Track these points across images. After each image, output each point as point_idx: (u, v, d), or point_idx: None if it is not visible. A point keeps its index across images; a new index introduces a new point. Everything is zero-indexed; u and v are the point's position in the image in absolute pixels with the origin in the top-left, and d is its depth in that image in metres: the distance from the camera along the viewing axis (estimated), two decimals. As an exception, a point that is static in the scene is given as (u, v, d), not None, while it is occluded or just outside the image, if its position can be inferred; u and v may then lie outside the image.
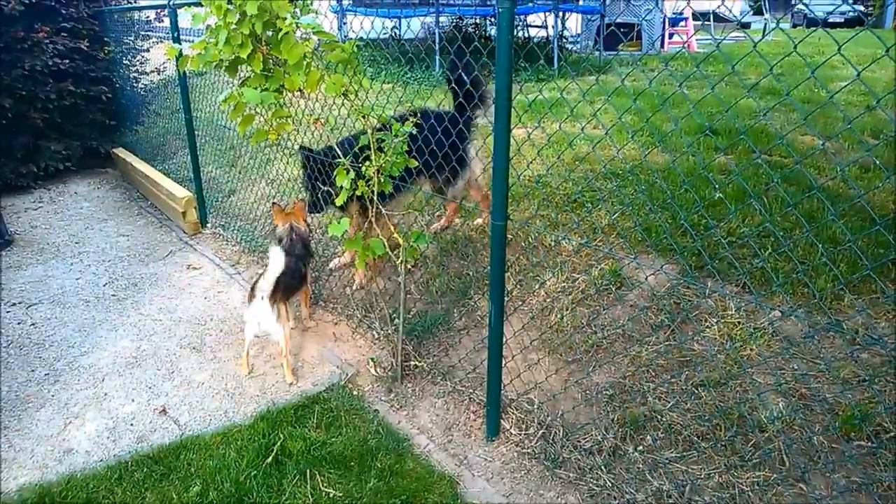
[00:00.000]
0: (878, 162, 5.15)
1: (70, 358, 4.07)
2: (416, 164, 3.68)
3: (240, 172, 7.47)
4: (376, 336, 4.15)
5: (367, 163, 3.62)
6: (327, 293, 4.75)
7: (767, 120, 7.22)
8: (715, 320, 3.61)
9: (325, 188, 4.35)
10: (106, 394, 3.71)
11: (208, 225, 6.34)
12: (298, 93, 3.94)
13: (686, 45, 15.39)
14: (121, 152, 8.01)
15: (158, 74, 8.98)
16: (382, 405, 3.57)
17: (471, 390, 3.55)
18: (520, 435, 3.19)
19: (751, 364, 3.35)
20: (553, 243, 4.72)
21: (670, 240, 4.38)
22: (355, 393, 3.68)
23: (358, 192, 3.64)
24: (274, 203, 4.24)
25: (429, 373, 3.74)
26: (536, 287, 4.25)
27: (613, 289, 4.09)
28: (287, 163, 6.93)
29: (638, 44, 14.92)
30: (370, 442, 3.25)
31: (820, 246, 4.17)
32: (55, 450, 3.28)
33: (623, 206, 5.23)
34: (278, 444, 3.22)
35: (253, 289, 3.69)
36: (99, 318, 4.59)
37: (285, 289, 3.77)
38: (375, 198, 3.67)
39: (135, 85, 8.57)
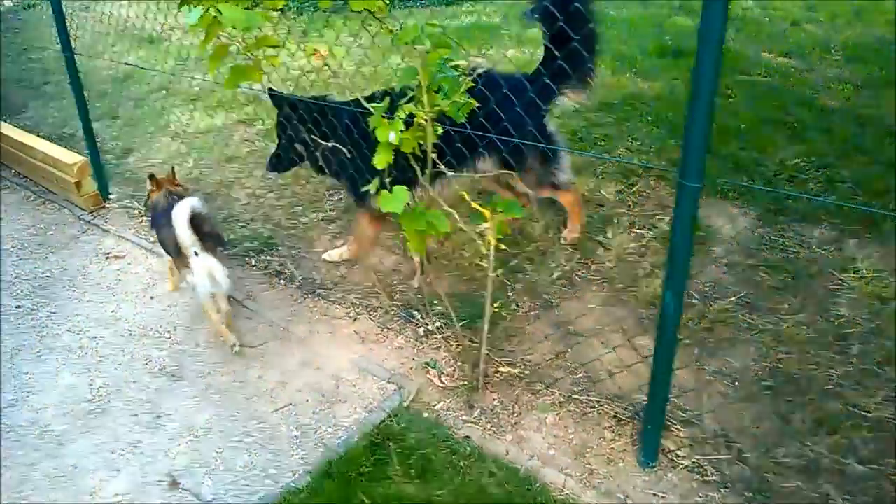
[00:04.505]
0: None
1: (-7, 414, 2.83)
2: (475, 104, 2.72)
3: (127, 125, 6.00)
4: (421, 333, 3.23)
5: (417, 106, 2.63)
6: (324, 276, 3.72)
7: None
8: (849, 276, 3.05)
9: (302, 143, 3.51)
10: (74, 466, 2.56)
11: (111, 197, 4.92)
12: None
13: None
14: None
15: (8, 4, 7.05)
16: (472, 429, 2.70)
17: (589, 397, 2.76)
18: (692, 457, 2.46)
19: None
20: (587, 188, 3.98)
21: (727, 176, 3.79)
22: (426, 415, 2.78)
23: (405, 148, 2.66)
24: (151, 175, 3.51)
25: (520, 379, 2.90)
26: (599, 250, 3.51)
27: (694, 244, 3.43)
28: (192, 111, 5.61)
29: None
30: (489, 489, 2.41)
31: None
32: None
33: (640, 141, 4.57)
34: (368, 513, 2.30)
35: (177, 253, 3.04)
36: (11, 345, 3.29)
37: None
38: (430, 154, 2.71)
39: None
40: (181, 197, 3.37)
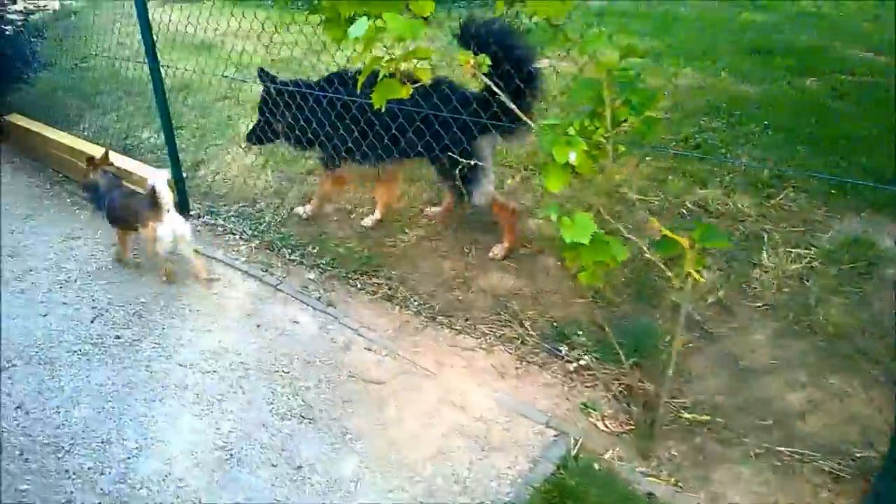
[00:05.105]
0: None
1: (117, 466, 2.55)
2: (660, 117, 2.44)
3: (193, 137, 5.75)
4: (571, 368, 2.93)
5: (594, 122, 2.34)
6: (442, 302, 3.43)
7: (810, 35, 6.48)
8: None
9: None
10: (219, 531, 2.30)
11: (191, 212, 4.68)
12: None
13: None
14: (18, 119, 5.96)
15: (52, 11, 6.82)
16: (654, 485, 2.40)
17: (790, 447, 2.44)
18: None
19: None
20: (718, 202, 3.67)
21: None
22: (596, 467, 2.48)
23: (583, 171, 2.36)
24: (90, 157, 4.07)
25: (702, 425, 2.59)
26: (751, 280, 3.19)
27: (864, 266, 3.11)
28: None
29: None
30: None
31: None
32: None
33: (760, 148, 4.25)
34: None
35: (152, 207, 3.57)
36: (118, 381, 3.03)
37: None
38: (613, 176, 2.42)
39: (18, 25, 6.40)
40: (116, 176, 4.07)
